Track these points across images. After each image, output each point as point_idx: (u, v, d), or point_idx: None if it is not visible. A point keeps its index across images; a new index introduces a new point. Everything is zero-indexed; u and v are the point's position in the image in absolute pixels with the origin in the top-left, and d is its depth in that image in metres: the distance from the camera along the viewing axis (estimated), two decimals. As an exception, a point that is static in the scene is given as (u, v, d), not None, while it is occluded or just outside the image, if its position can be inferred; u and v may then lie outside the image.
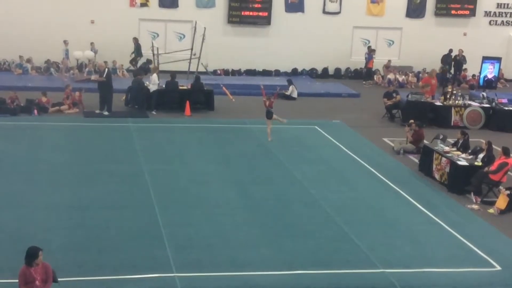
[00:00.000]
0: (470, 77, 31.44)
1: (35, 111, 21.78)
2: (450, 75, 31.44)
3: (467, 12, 32.63)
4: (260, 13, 30.93)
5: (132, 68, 28.31)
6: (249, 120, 22.35)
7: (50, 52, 28.65)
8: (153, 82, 23.24)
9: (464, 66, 31.68)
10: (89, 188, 15.08)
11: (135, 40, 28.98)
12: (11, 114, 21.39)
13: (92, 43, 28.98)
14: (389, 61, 31.44)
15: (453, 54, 31.48)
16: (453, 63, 31.63)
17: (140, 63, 28.28)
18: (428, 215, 14.56)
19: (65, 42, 28.45)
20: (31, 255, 9.01)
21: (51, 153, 17.56)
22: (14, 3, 28.71)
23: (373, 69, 31.63)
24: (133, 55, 28.92)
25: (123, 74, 28.43)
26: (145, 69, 26.65)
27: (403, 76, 31.04)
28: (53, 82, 26.21)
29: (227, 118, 22.55)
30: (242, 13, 30.80)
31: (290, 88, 26.86)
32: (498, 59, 28.96)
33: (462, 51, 31.17)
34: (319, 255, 12.27)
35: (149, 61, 27.66)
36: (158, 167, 16.85)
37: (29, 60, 28.62)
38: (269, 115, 19.50)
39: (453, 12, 32.53)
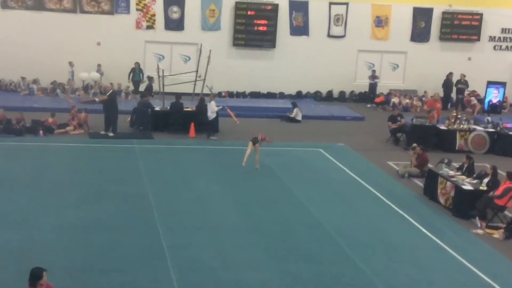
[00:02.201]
0: (476, 101, 31.38)
1: (41, 132, 21.86)
2: (454, 99, 31.45)
3: (471, 37, 32.72)
4: (265, 36, 31.08)
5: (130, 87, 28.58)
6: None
7: (56, 73, 28.79)
8: (212, 110, 23.19)
9: (467, 91, 31.70)
10: (93, 208, 15.08)
11: (137, 64, 29.04)
12: (16, 134, 21.46)
13: (98, 65, 29.14)
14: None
15: (454, 78, 31.45)
16: (454, 87, 31.61)
17: (144, 86, 28.29)
18: (432, 239, 14.51)
19: (71, 64, 28.60)
20: (35, 275, 8.99)
21: (56, 174, 17.60)
22: (21, 25, 28.91)
23: (377, 93, 31.66)
24: (131, 77, 29.10)
25: (127, 97, 28.40)
26: (150, 90, 26.70)
27: (408, 100, 31.08)
28: (59, 103, 26.30)
29: (231, 140, 22.57)
30: (247, 36, 30.95)
31: (295, 110, 26.91)
32: (503, 84, 28.99)
33: (464, 76, 31.23)
34: (323, 278, 12.22)
35: (150, 78, 27.68)
36: (162, 189, 16.87)
37: (35, 81, 28.78)
38: (255, 140, 19.01)
39: (457, 36, 32.61)
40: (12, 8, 29.02)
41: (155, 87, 26.76)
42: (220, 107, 23.61)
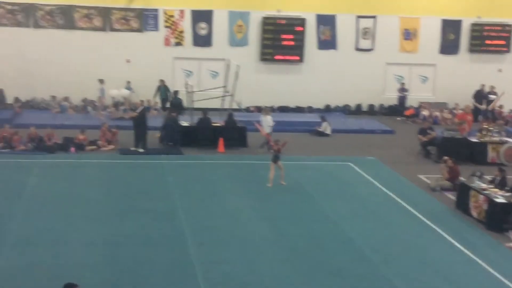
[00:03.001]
0: (507, 113, 31.08)
1: (72, 149, 22.09)
2: (485, 111, 31.13)
3: (501, 48, 32.41)
4: (293, 51, 31.11)
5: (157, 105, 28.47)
6: (282, 156, 22.30)
7: (87, 91, 29.15)
8: (268, 124, 23.39)
9: (500, 103, 31.32)
10: (124, 224, 15.17)
11: (162, 82, 29.13)
12: (48, 151, 21.72)
13: (127, 82, 29.42)
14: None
15: (484, 90, 31.18)
16: (484, 99, 31.31)
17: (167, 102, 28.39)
18: (465, 253, 14.31)
19: (101, 81, 28.92)
20: (68, 291, 9.05)
21: (87, 190, 17.75)
22: (52, 44, 29.36)
23: (407, 106, 31.48)
24: (157, 97, 29.19)
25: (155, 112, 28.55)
26: (177, 105, 26.74)
27: (438, 113, 30.82)
28: (90, 120, 26.59)
29: (260, 155, 22.56)
30: (275, 51, 31.02)
31: (324, 124, 26.85)
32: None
33: (494, 88, 30.89)
34: (355, 293, 12.11)
35: (175, 92, 27.81)
36: (192, 204, 16.91)
37: (66, 99, 29.15)
38: (275, 159, 18.85)
39: (487, 48, 32.34)
40: (43, 28, 29.49)
41: (184, 102, 26.84)
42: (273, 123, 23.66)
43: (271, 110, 30.76)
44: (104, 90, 29.04)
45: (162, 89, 29.23)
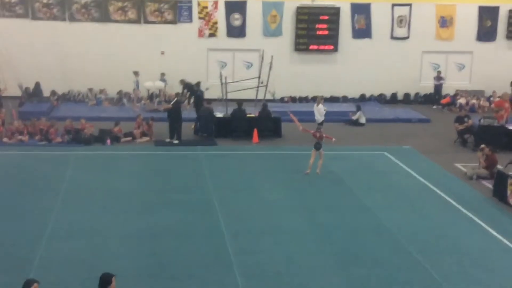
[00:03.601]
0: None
1: (108, 141, 22.32)
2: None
3: (541, 34, 31.85)
4: (327, 40, 30.94)
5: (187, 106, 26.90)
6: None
7: (122, 83, 29.41)
8: (320, 113, 23.69)
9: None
10: (160, 216, 15.28)
11: (182, 82, 28.16)
12: (85, 143, 21.98)
13: (162, 74, 29.59)
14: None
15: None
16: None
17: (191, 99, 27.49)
18: (503, 242, 14.14)
19: (136, 73, 29.12)
20: (105, 281, 9.14)
21: (123, 182, 17.92)
22: (88, 37, 29.64)
23: (443, 95, 31.11)
24: (182, 98, 27.32)
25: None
26: (197, 98, 26.16)
27: (475, 101, 30.40)
28: (125, 112, 26.81)
29: (295, 145, 22.54)
30: (309, 41, 30.88)
31: (358, 113, 26.68)
32: None
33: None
34: (391, 284, 12.04)
35: (197, 84, 27.35)
36: (227, 195, 16.97)
37: (102, 91, 29.45)
38: (318, 146, 18.85)
39: (526, 34, 31.80)
40: (79, 21, 29.78)
41: (219, 93, 26.78)
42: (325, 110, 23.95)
43: (306, 100, 30.86)
44: (139, 82, 29.26)
45: (184, 88, 28.16)
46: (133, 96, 29.11)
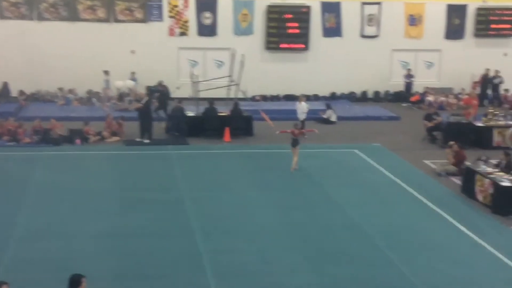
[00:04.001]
0: (511, 97, 31.07)
1: (78, 141, 22.14)
2: (490, 96, 31.15)
3: (507, 32, 32.24)
4: (298, 39, 31.05)
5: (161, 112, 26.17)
6: (288, 145, 22.31)
7: (92, 83, 29.17)
8: (302, 110, 24.21)
9: (505, 86, 31.25)
10: (132, 215, 15.21)
11: (148, 89, 27.55)
12: (54, 143, 21.78)
13: (132, 73, 29.43)
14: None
15: (490, 74, 31.12)
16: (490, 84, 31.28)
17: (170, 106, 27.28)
18: (472, 237, 14.33)
19: (106, 72, 28.93)
20: (74, 282, 9.01)
21: (94, 182, 17.79)
22: (56, 36, 29.35)
23: (413, 92, 31.42)
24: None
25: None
26: (166, 94, 25.97)
27: (443, 98, 30.75)
28: (95, 112, 26.60)
29: (267, 143, 22.59)
30: (280, 39, 30.96)
31: (328, 112, 26.84)
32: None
33: (499, 72, 30.81)
34: (363, 280, 12.15)
35: (159, 83, 27.19)
36: (199, 194, 16.94)
37: (71, 91, 29.19)
38: (294, 143, 19.16)
39: (493, 32, 32.18)
40: (47, 20, 29.49)
41: (190, 92, 26.70)
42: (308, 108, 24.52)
43: (277, 99, 30.93)
44: (109, 81, 29.08)
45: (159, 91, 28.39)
46: (103, 96, 28.91)
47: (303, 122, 23.82)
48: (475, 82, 31.03)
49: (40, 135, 22.24)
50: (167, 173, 18.90)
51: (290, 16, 30.81)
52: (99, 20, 29.84)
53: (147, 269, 12.40)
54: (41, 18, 29.49)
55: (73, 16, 29.67)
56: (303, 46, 31.18)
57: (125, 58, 29.73)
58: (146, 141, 22.52)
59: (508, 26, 32.18)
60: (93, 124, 23.25)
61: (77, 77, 29.18)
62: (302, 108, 24.26)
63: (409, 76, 31.45)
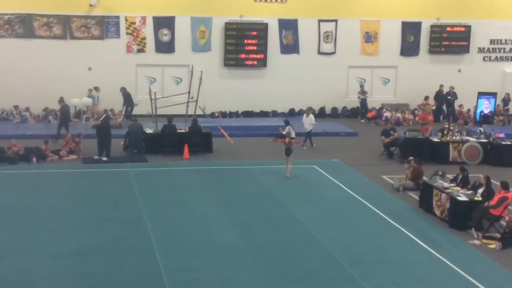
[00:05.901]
0: (465, 113, 31.68)
1: (34, 159, 21.80)
2: (445, 111, 31.72)
3: (461, 49, 32.94)
4: (256, 56, 31.20)
5: (129, 121, 26.71)
6: (248, 161, 22.40)
7: (48, 100, 28.75)
8: (310, 122, 25.11)
9: (460, 102, 31.86)
10: (90, 234, 15.01)
11: (123, 90, 28.50)
12: (10, 162, 21.40)
13: (89, 90, 29.16)
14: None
15: (444, 90, 31.72)
16: (444, 100, 31.86)
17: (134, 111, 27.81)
18: (431, 252, 14.49)
19: (96, 89, 28.79)
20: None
21: (51, 200, 17.53)
22: (12, 53, 28.95)
23: (369, 108, 31.80)
24: (124, 108, 28.67)
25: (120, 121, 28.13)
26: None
27: (399, 114, 31.20)
28: (51, 130, 26.22)
29: (226, 160, 22.58)
30: (238, 56, 31.07)
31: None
32: (494, 94, 29.17)
33: (453, 88, 31.44)
34: (323, 296, 12.18)
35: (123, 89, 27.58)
36: (158, 211, 16.82)
37: (27, 109, 28.76)
38: (288, 152, 20.30)
39: (447, 49, 32.83)
40: (2, 37, 29.07)
41: (148, 109, 26.59)
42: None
43: (236, 115, 30.99)
44: (98, 97, 28.76)
45: (124, 97, 28.68)
46: (93, 112, 28.40)
47: (309, 133, 24.92)
48: (426, 99, 31.56)
49: (-5, 153, 21.84)
50: (126, 190, 18.73)
51: (248, 33, 30.98)
52: (55, 37, 29.53)
53: (107, 288, 12.24)
54: (-5, 35, 29.08)
55: (29, 33, 29.30)
56: (261, 62, 31.33)
57: (82, 75, 29.46)
58: (104, 158, 22.30)
59: (461, 43, 32.85)
60: (49, 142, 22.91)
61: (33, 94, 28.80)
62: (310, 120, 25.17)
63: (363, 92, 31.80)
